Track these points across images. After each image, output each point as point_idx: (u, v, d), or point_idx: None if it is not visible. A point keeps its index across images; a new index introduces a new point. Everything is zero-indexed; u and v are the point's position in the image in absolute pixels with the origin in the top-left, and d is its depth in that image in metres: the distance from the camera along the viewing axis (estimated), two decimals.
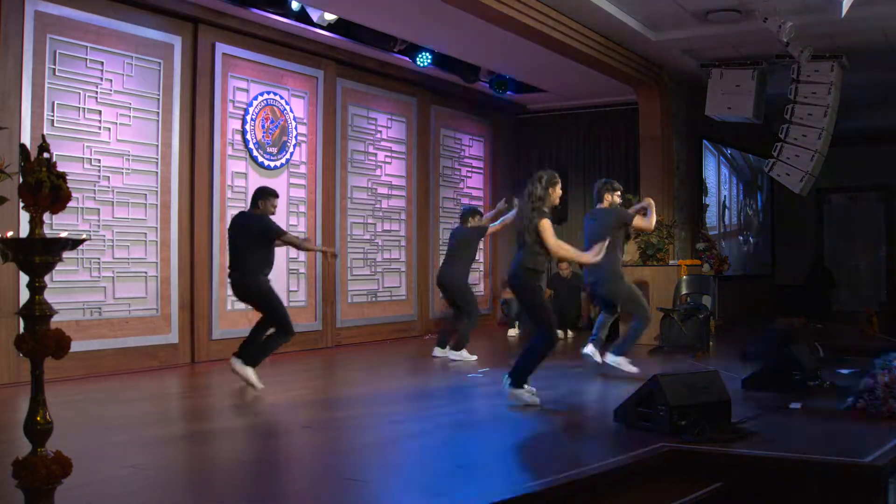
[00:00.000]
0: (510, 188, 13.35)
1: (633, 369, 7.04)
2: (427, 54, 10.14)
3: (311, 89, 9.64)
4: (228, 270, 6.74)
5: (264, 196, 6.79)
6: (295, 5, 8.47)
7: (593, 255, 6.03)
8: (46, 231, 3.03)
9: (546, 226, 5.76)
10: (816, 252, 15.28)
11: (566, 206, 11.90)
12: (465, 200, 12.44)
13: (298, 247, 6.99)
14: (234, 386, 6.93)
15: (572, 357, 8.13)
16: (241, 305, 8.70)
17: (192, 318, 8.18)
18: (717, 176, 12.81)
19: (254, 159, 8.89)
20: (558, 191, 5.98)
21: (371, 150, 10.61)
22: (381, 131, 10.77)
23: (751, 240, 14.32)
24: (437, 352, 8.61)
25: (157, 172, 7.94)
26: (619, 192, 7.60)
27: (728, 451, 4.33)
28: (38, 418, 2.94)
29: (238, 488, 3.87)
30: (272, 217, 6.80)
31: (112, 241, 7.54)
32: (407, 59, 10.09)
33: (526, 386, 5.83)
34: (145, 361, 7.66)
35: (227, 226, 6.98)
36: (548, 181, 5.92)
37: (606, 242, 6.20)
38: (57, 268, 3.20)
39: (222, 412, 5.91)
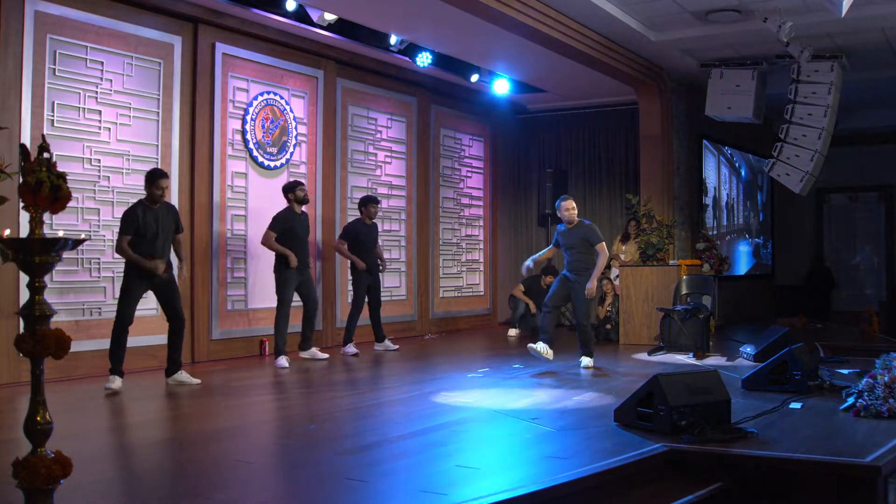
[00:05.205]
0: (510, 188, 13.38)
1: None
2: (427, 54, 10.14)
3: (311, 89, 9.64)
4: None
5: (153, 180, 6.71)
6: (291, 5, 8.39)
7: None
8: (46, 231, 3.03)
9: None
10: (816, 252, 15.28)
11: None
12: (465, 200, 12.45)
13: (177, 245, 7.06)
14: (234, 386, 6.94)
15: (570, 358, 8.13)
16: (241, 305, 8.74)
17: (192, 318, 8.18)
18: (717, 176, 12.81)
19: (254, 159, 8.89)
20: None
21: (371, 150, 10.61)
22: (381, 131, 10.77)
23: (750, 240, 14.32)
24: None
25: None
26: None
27: (728, 451, 4.33)
28: (38, 418, 2.94)
29: (239, 488, 3.86)
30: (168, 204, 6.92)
31: (112, 241, 7.53)
32: (407, 58, 10.09)
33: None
34: (145, 361, 7.65)
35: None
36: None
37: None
38: (57, 268, 3.21)
39: (222, 412, 5.91)
